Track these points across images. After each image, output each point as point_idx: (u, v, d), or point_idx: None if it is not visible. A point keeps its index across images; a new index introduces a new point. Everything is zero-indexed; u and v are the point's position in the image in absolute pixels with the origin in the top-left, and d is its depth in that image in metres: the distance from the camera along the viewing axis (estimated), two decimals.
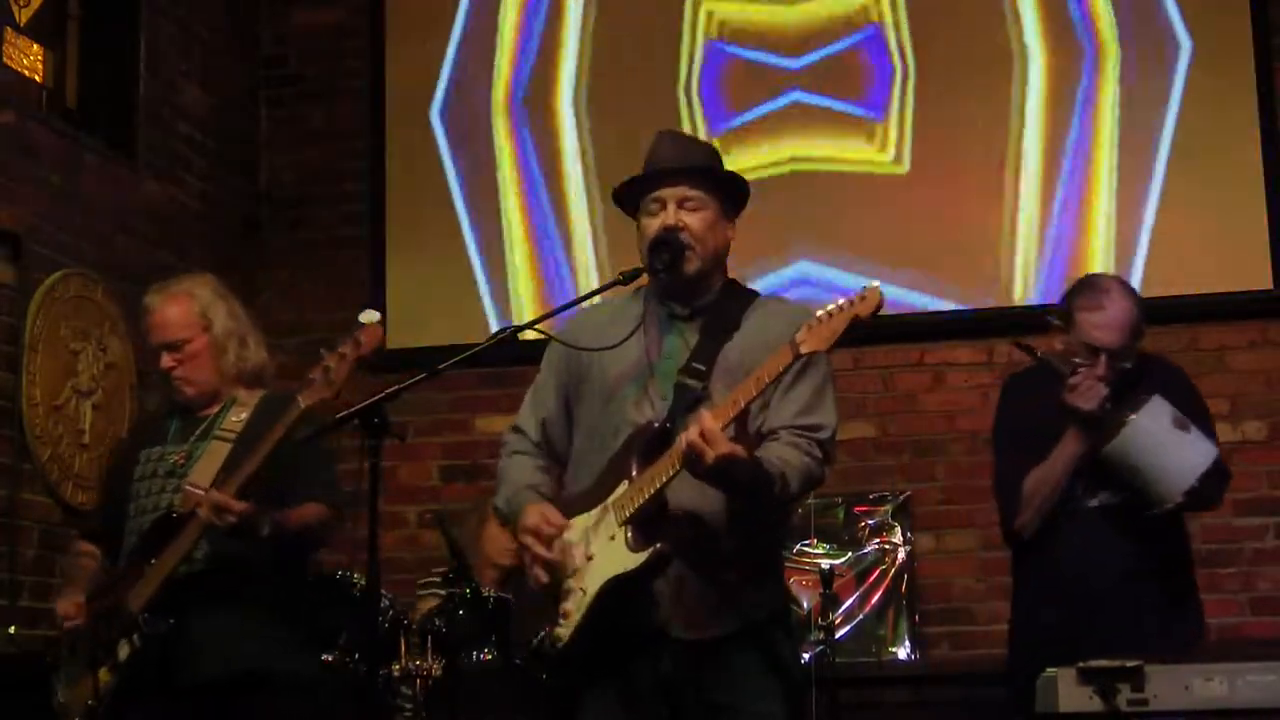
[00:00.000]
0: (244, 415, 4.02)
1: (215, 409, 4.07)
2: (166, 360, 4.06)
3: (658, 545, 3.10)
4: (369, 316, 3.46)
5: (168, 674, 3.82)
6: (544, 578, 3.22)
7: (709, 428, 3.00)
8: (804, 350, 3.02)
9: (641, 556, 3.10)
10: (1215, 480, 3.94)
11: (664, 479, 3.10)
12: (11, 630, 4.94)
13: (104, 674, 3.85)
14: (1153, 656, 3.21)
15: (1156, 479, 3.85)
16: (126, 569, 3.94)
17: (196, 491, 3.86)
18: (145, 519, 3.95)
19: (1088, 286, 4.05)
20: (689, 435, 3.02)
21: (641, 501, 3.12)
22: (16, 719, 4.61)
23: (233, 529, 3.75)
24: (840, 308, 3.01)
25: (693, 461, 3.02)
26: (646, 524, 3.13)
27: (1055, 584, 3.99)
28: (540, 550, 3.22)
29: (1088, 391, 3.88)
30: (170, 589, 3.81)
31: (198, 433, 4.03)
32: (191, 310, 4.07)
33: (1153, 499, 3.87)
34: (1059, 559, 3.99)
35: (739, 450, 3.03)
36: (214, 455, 3.95)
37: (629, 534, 3.13)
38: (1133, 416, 3.84)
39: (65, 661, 3.98)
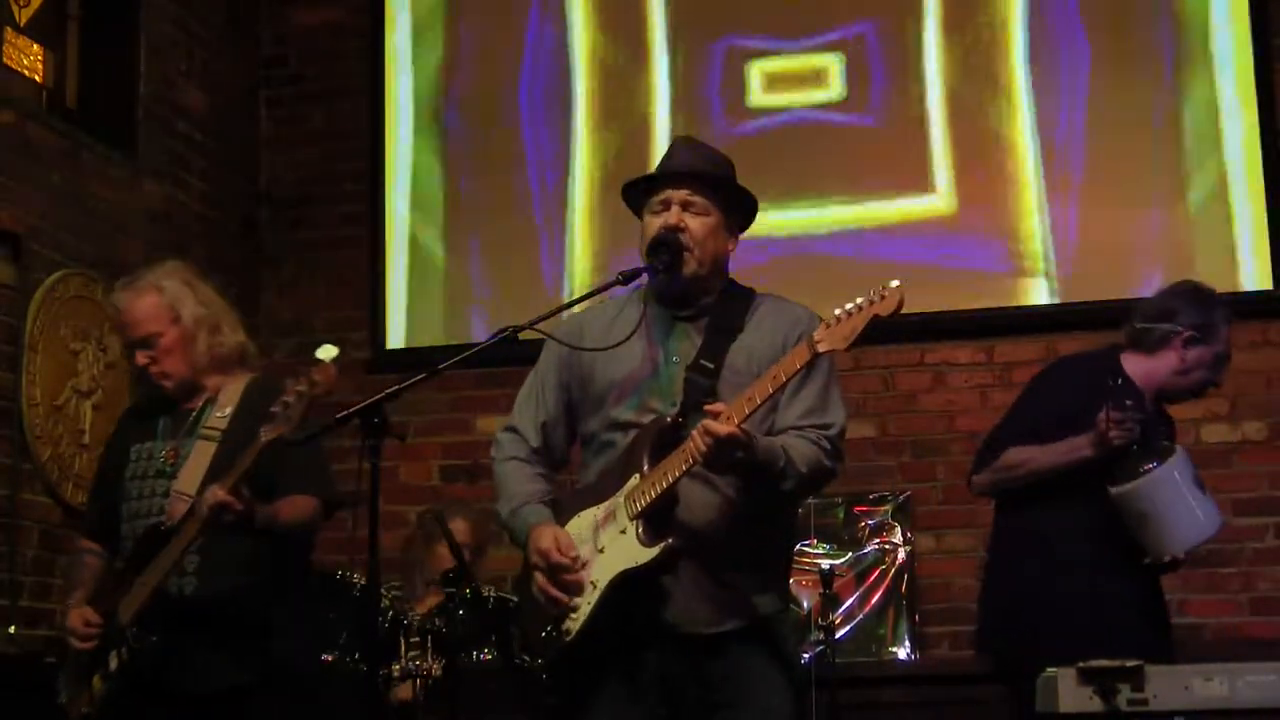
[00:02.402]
0: (228, 410, 3.98)
1: (200, 402, 4.03)
2: (140, 358, 4.02)
3: (669, 540, 3.11)
4: (326, 353, 3.42)
5: (158, 685, 3.82)
6: (552, 594, 3.21)
7: (722, 414, 3.03)
8: (821, 349, 3.03)
9: (653, 551, 3.11)
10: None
11: (676, 474, 3.11)
12: (11, 630, 4.94)
13: (96, 681, 3.86)
14: (1153, 657, 3.22)
15: (1160, 532, 3.83)
16: (119, 577, 3.93)
17: (184, 499, 3.85)
18: (138, 523, 3.94)
19: (1224, 304, 4.08)
20: (704, 424, 3.04)
21: (654, 496, 3.13)
22: (16, 719, 4.62)
23: (230, 524, 3.74)
24: (859, 306, 3.00)
25: (710, 453, 3.03)
26: (658, 519, 3.14)
27: (1032, 557, 3.98)
28: (544, 580, 3.22)
29: (1128, 432, 3.83)
30: (160, 603, 3.80)
31: (184, 429, 4.01)
32: (159, 304, 4.02)
33: (1149, 549, 3.85)
34: (1036, 532, 3.98)
35: (746, 430, 3.05)
36: (201, 456, 3.93)
37: (640, 529, 3.14)
38: (1157, 467, 3.81)
39: (67, 663, 3.98)
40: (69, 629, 3.92)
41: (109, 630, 3.85)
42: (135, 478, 4.01)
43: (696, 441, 3.06)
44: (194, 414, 4.02)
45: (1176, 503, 3.81)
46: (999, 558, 4.10)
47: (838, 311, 3.03)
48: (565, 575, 3.20)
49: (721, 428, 3.02)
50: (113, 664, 3.83)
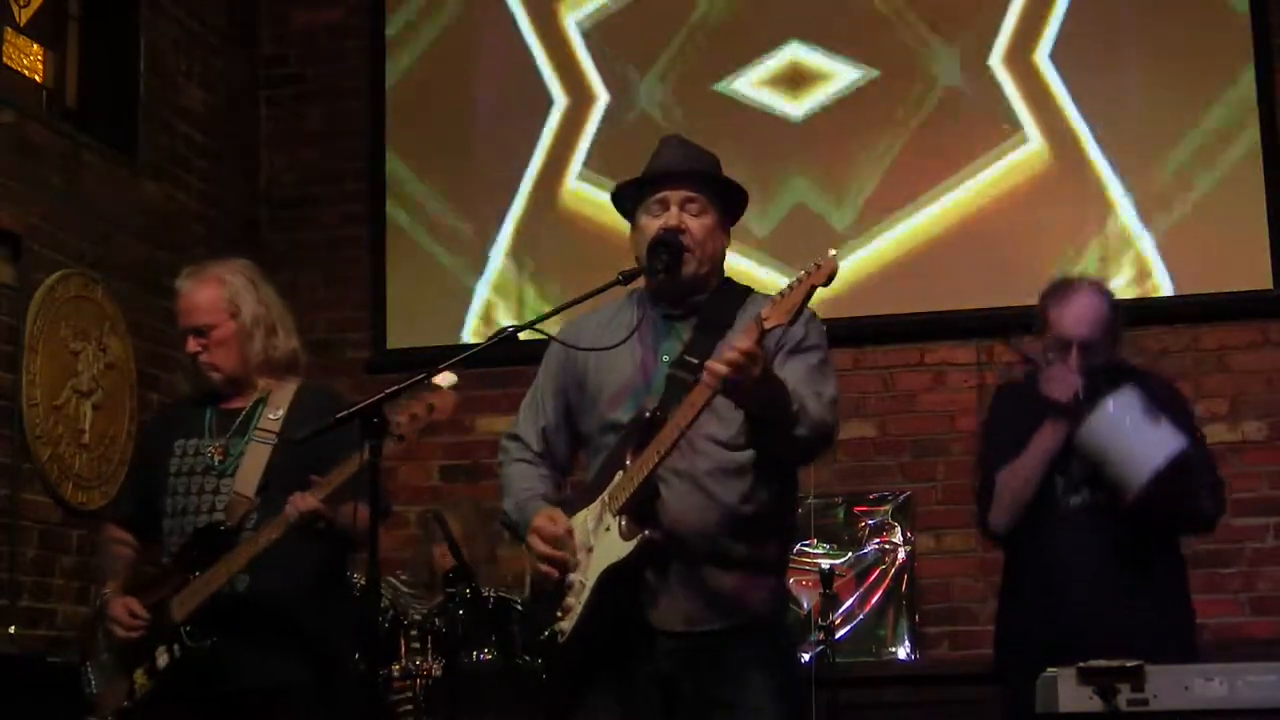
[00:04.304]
0: (281, 413, 3.97)
1: (247, 402, 4.02)
2: (192, 345, 4.03)
3: (645, 532, 3.11)
4: (445, 379, 3.34)
5: (199, 683, 3.81)
6: (554, 574, 3.24)
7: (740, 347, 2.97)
8: (768, 325, 3.01)
9: (631, 544, 3.12)
10: (1190, 477, 3.88)
11: (652, 464, 3.11)
12: (11, 630, 4.94)
13: (139, 676, 3.85)
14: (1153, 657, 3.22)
15: (1121, 466, 3.83)
16: (169, 573, 3.91)
17: (243, 501, 3.87)
18: (186, 519, 3.93)
19: (1058, 284, 4.09)
20: (723, 348, 3.01)
21: (633, 490, 3.13)
22: (16, 719, 4.62)
23: (318, 531, 3.75)
24: (799, 280, 3.00)
25: (736, 366, 2.94)
26: (641, 514, 3.14)
27: (1034, 585, 3.99)
28: (544, 549, 3.24)
29: (1061, 381, 3.88)
30: (214, 601, 3.80)
31: (234, 428, 4.00)
32: (220, 296, 4.03)
33: (1120, 489, 3.86)
34: (1038, 559, 3.98)
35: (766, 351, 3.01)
36: (256, 458, 3.92)
37: (622, 524, 3.15)
38: (1102, 403, 3.84)
39: (101, 654, 3.96)
40: (113, 618, 3.89)
41: (157, 625, 3.84)
42: (181, 474, 3.99)
43: (714, 366, 2.97)
44: (243, 413, 4.02)
45: (1118, 437, 3.82)
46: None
47: (783, 287, 3.03)
48: (555, 550, 3.20)
49: (742, 343, 2.95)
50: (161, 660, 3.82)
